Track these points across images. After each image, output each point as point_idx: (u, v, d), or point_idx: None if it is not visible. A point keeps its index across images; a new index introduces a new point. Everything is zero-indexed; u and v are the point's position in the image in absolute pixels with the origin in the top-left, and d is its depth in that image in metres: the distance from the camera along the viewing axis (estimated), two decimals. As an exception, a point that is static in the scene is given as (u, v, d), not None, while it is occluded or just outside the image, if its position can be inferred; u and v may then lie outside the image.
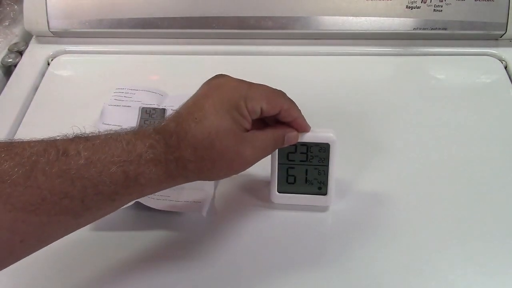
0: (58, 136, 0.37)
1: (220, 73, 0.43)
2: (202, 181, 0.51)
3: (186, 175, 0.39)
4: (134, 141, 0.37)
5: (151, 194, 0.40)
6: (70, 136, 0.37)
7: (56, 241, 0.37)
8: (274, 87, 0.43)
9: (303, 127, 0.45)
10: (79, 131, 0.38)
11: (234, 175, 0.43)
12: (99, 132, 0.38)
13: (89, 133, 0.38)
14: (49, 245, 0.36)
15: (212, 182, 0.52)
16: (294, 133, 0.44)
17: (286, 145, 0.44)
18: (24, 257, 0.35)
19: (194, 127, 0.38)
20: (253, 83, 0.42)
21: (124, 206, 0.47)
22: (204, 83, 0.42)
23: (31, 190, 0.33)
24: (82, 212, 0.35)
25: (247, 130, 0.41)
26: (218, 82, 0.41)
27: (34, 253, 0.35)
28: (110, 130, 0.39)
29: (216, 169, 0.40)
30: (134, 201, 0.48)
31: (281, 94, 0.43)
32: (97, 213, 0.37)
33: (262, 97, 0.41)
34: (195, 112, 0.39)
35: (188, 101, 0.41)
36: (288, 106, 0.43)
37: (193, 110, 0.39)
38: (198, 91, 0.42)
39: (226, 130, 0.39)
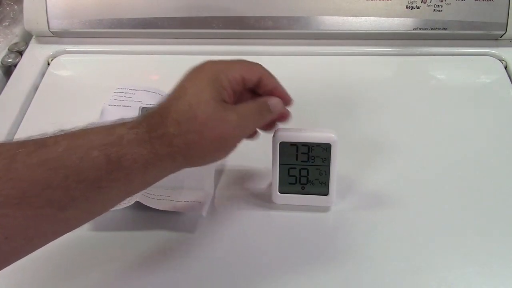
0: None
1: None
2: (202, 181, 0.52)
3: (173, 154, 0.38)
4: (114, 126, 0.37)
5: (140, 182, 0.39)
6: (49, 134, 0.37)
7: (56, 241, 0.36)
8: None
9: (284, 95, 0.45)
10: (58, 129, 0.37)
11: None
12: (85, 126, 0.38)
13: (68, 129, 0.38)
14: (49, 245, 0.36)
15: (212, 182, 0.52)
16: (276, 99, 0.44)
17: (273, 114, 0.44)
18: (12, 259, 0.34)
19: (175, 103, 0.39)
20: (231, 60, 0.42)
21: (124, 206, 0.48)
22: (187, 71, 0.43)
23: (13, 183, 0.32)
24: (67, 203, 0.34)
25: (229, 103, 0.41)
26: (196, 67, 0.42)
27: (34, 253, 0.35)
28: (95, 124, 0.38)
29: (203, 142, 0.38)
30: (134, 201, 0.48)
31: (258, 64, 0.44)
32: (83, 205, 0.36)
33: (241, 66, 0.42)
34: (176, 92, 0.40)
35: (172, 88, 0.41)
36: (268, 73, 0.43)
37: (173, 92, 0.40)
38: (182, 77, 0.42)
39: (207, 100, 0.38)
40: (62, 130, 0.37)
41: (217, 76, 0.40)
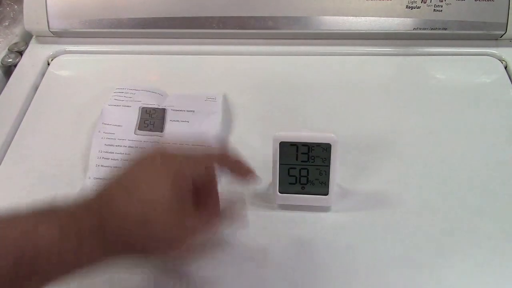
0: None
1: (152, 146, 0.38)
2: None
3: (111, 259, 0.34)
4: (36, 226, 0.32)
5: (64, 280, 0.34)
6: None
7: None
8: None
9: (245, 170, 0.41)
10: None
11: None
12: (8, 211, 0.33)
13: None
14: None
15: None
16: (235, 206, 0.40)
17: (234, 221, 0.40)
18: None
19: (124, 200, 0.33)
20: (186, 150, 0.39)
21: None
22: (136, 156, 0.37)
23: None
24: None
25: (189, 201, 0.36)
26: (154, 156, 0.37)
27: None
28: (15, 210, 0.33)
29: (157, 248, 0.34)
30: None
31: (216, 149, 0.40)
32: None
33: (203, 160, 0.38)
34: (127, 184, 0.34)
35: (117, 173, 0.36)
36: (225, 155, 0.40)
37: (123, 182, 0.35)
38: (129, 163, 0.36)
39: (167, 204, 0.33)
40: None
41: (181, 175, 0.35)
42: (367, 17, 0.66)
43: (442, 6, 0.65)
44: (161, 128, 0.56)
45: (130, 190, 0.34)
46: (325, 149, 0.46)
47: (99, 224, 0.33)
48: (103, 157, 0.53)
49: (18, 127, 0.60)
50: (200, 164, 0.38)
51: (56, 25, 0.69)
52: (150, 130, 0.56)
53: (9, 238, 0.31)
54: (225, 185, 0.52)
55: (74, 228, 0.32)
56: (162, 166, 0.35)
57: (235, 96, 0.62)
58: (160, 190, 0.34)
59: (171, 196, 0.34)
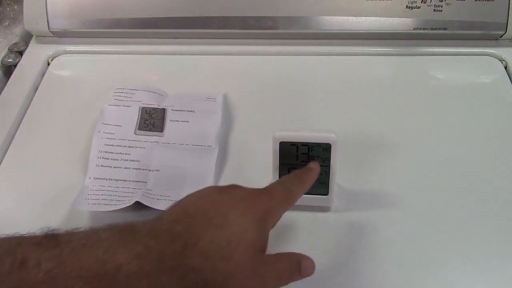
0: (26, 233, 0.31)
1: (234, 184, 0.39)
2: (202, 181, 0.52)
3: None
4: (115, 248, 0.31)
5: None
6: (40, 235, 0.31)
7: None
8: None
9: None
10: (54, 227, 0.32)
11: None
12: (79, 230, 0.32)
13: (65, 232, 0.31)
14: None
15: (212, 182, 0.52)
16: (310, 262, 0.39)
17: (302, 277, 0.39)
18: None
19: (212, 233, 0.33)
20: (267, 190, 0.39)
21: (124, 206, 0.48)
22: (218, 191, 0.38)
23: None
24: None
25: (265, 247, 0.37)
26: (240, 193, 0.38)
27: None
28: (94, 229, 0.32)
29: (223, 285, 0.33)
30: (134, 201, 0.48)
31: (293, 194, 0.40)
32: None
33: (281, 205, 0.39)
34: (215, 217, 0.34)
35: (200, 204, 0.36)
36: (300, 192, 0.41)
37: (212, 215, 0.34)
38: (213, 197, 0.37)
39: (247, 245, 0.34)
40: (55, 233, 0.31)
41: (266, 219, 0.36)
42: (367, 17, 0.66)
43: (442, 6, 0.65)
44: (161, 128, 0.56)
45: (220, 226, 0.34)
46: (325, 149, 0.46)
47: (181, 262, 0.32)
48: (103, 157, 0.53)
49: (18, 127, 0.60)
50: (285, 208, 0.39)
51: (56, 25, 0.69)
52: (150, 130, 0.56)
53: (84, 268, 0.30)
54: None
55: (154, 264, 0.31)
56: (253, 207, 0.36)
57: (235, 96, 0.62)
58: (245, 230, 0.34)
59: (253, 239, 0.34)
